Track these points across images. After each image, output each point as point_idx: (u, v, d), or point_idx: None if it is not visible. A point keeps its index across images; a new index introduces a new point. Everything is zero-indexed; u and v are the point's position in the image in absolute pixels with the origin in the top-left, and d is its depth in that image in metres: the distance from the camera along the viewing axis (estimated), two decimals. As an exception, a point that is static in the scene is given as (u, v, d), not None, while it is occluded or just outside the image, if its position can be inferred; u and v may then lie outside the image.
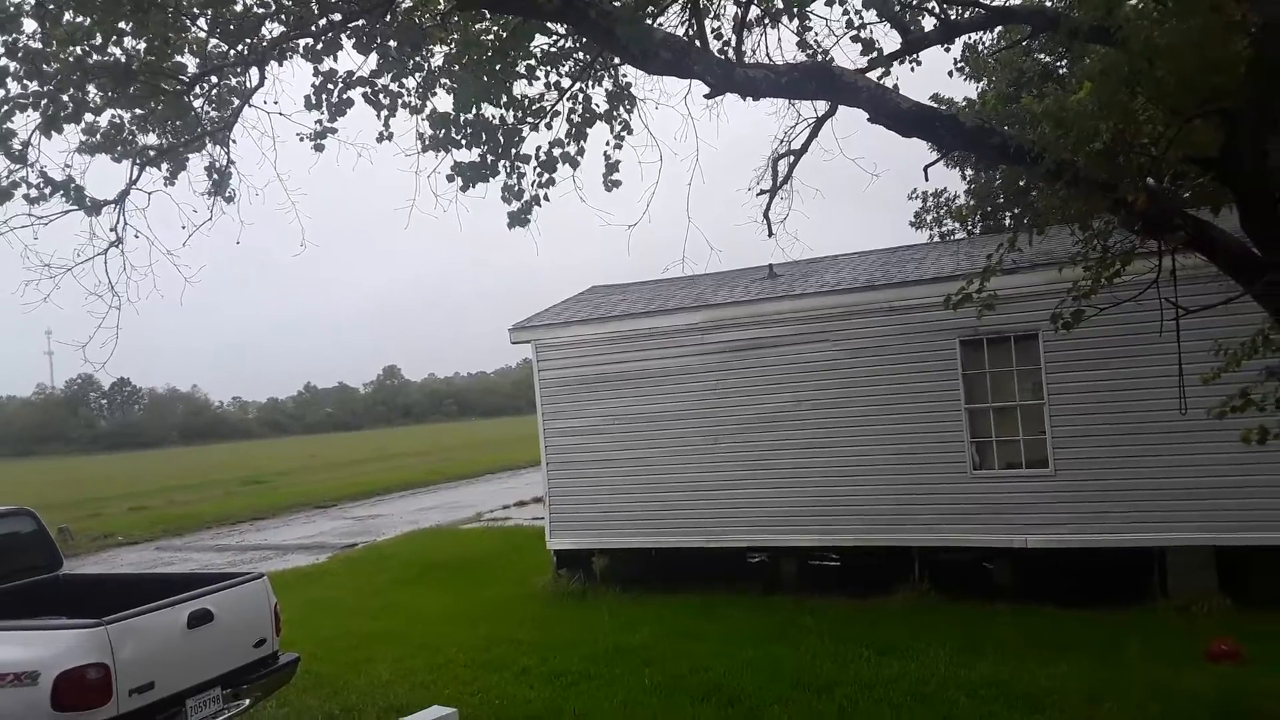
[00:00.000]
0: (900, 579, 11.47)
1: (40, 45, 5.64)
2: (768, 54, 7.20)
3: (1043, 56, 12.93)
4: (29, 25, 5.63)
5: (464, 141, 6.17)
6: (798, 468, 12.06)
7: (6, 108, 5.73)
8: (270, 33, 5.59)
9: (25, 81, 5.68)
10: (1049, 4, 7.24)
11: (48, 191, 5.88)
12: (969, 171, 20.40)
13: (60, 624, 7.15)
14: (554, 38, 6.48)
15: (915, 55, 6.96)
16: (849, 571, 11.82)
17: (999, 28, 9.69)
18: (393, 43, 5.63)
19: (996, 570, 11.11)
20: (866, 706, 7.79)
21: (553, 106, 6.48)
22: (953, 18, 6.70)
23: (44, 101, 5.63)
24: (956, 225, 21.05)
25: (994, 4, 6.61)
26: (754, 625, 10.68)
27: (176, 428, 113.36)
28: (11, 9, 5.55)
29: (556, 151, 6.48)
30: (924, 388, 11.43)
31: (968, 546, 11.18)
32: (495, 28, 6.29)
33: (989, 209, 19.86)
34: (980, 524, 11.15)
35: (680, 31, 6.45)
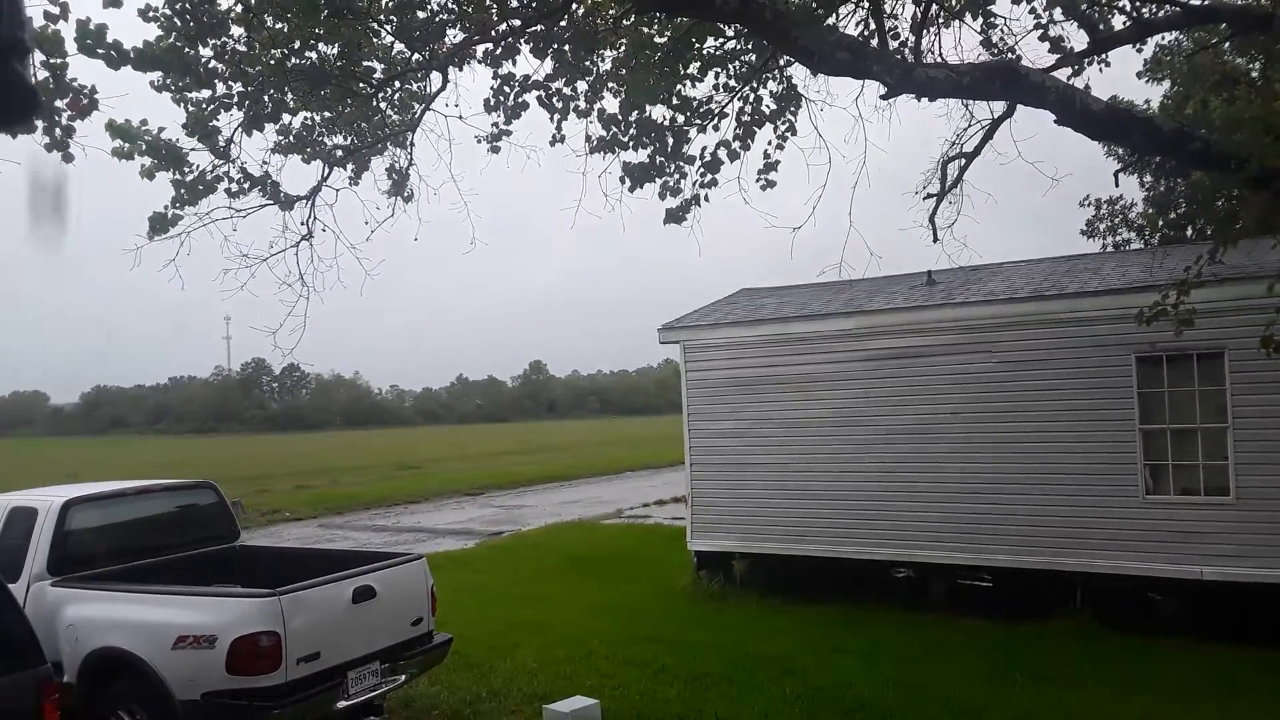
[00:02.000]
0: (1058, 606, 10.88)
1: (245, 49, 6.05)
2: (941, 55, 6.97)
3: (1236, 59, 11.96)
4: (236, 30, 6.06)
5: (630, 143, 6.24)
6: (950, 482, 11.63)
7: (213, 106, 6.18)
8: (452, 39, 5.81)
9: (230, 83, 6.11)
10: (1255, 2, 6.71)
11: (247, 186, 6.29)
12: (1148, 178, 19.17)
13: (238, 592, 7.65)
14: (722, 39, 6.47)
15: (1104, 55, 6.57)
16: (1002, 593, 11.31)
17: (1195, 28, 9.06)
18: (568, 47, 5.75)
19: (1166, 602, 10.40)
20: (1022, 736, 7.45)
21: (721, 108, 6.48)
22: (1146, 16, 6.29)
23: (247, 102, 6.04)
24: (1133, 234, 19.81)
25: (1192, 2, 6.16)
26: (899, 642, 10.36)
27: (339, 412, 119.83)
28: (220, 15, 5.99)
29: (722, 152, 6.46)
30: (1093, 405, 10.81)
31: (1136, 575, 10.52)
32: (666, 30, 6.32)
33: (1171, 218, 18.60)
34: (1151, 552, 10.46)
35: (855, 31, 6.32)
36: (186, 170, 5.98)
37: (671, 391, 14.01)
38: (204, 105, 5.96)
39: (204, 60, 5.76)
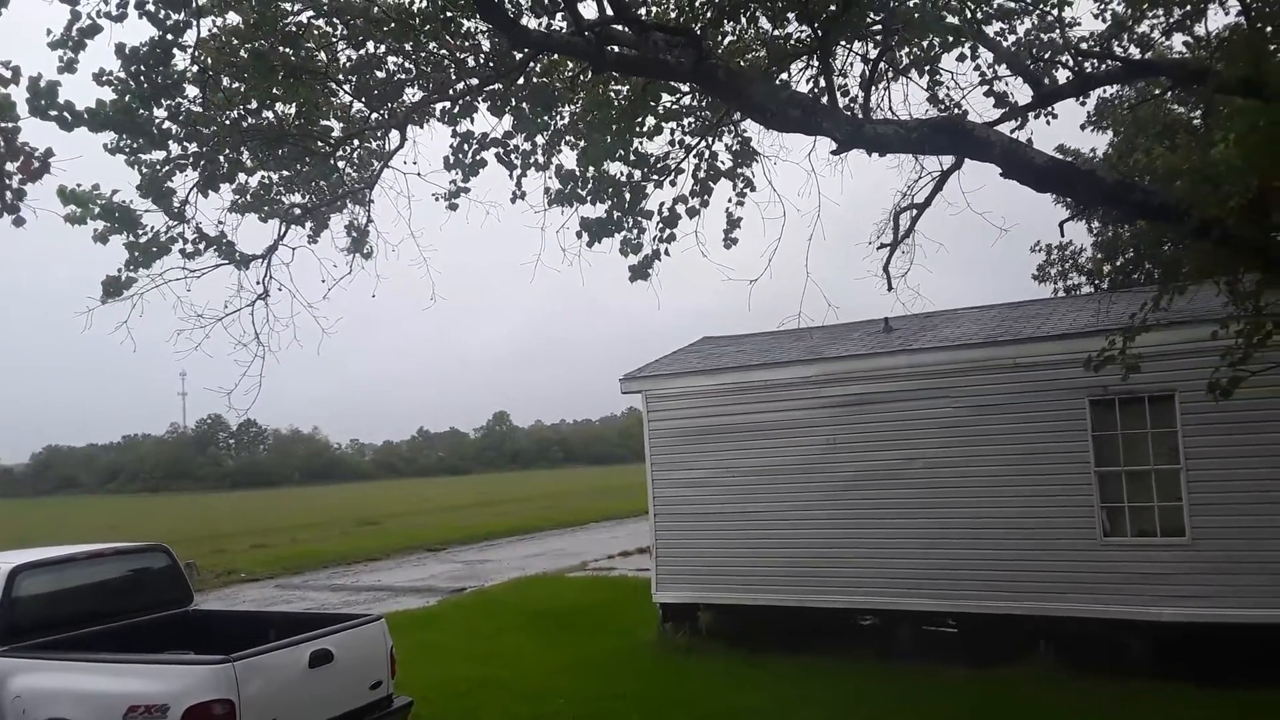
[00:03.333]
0: (1025, 650, 10.90)
1: (200, 109, 6.05)
2: (892, 110, 7.16)
3: (1177, 109, 12.42)
4: (191, 91, 6.06)
5: (589, 197, 6.31)
6: (913, 528, 11.67)
7: (168, 168, 6.15)
8: (411, 97, 5.85)
9: (185, 143, 6.09)
10: (1192, 55, 6.98)
11: (202, 247, 6.25)
12: (1095, 224, 19.70)
13: (190, 659, 7.44)
14: (678, 94, 6.59)
15: (1049, 108, 6.79)
16: (968, 639, 11.31)
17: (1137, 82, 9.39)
18: (525, 104, 5.82)
19: (1129, 644, 10.46)
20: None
21: (678, 164, 6.58)
22: (1088, 70, 6.52)
23: (202, 162, 6.02)
24: (1083, 279, 20.28)
25: (1131, 57, 6.40)
26: (867, 693, 10.29)
27: (298, 468, 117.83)
28: (175, 75, 5.98)
29: (680, 208, 6.55)
30: (1050, 448, 10.95)
31: (1098, 618, 10.58)
32: (623, 85, 6.43)
33: (1118, 263, 19.09)
34: (1111, 595, 10.54)
35: (806, 88, 6.47)
36: (140, 232, 5.93)
37: (635, 440, 13.98)
38: (158, 166, 5.93)
39: (158, 121, 5.74)
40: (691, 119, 6.61)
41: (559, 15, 5.72)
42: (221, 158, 5.93)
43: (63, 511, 67.64)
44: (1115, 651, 10.45)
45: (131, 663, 7.04)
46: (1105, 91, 9.35)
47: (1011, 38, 6.95)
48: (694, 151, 6.67)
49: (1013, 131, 6.42)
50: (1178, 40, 7.40)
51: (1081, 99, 7.27)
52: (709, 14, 5.94)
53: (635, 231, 6.46)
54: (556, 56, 5.82)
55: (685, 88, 6.31)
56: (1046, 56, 6.79)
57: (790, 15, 5.58)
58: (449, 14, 5.49)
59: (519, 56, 5.43)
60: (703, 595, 13.13)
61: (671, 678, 11.49)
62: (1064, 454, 10.87)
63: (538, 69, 5.92)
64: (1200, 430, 10.15)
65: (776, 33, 6.27)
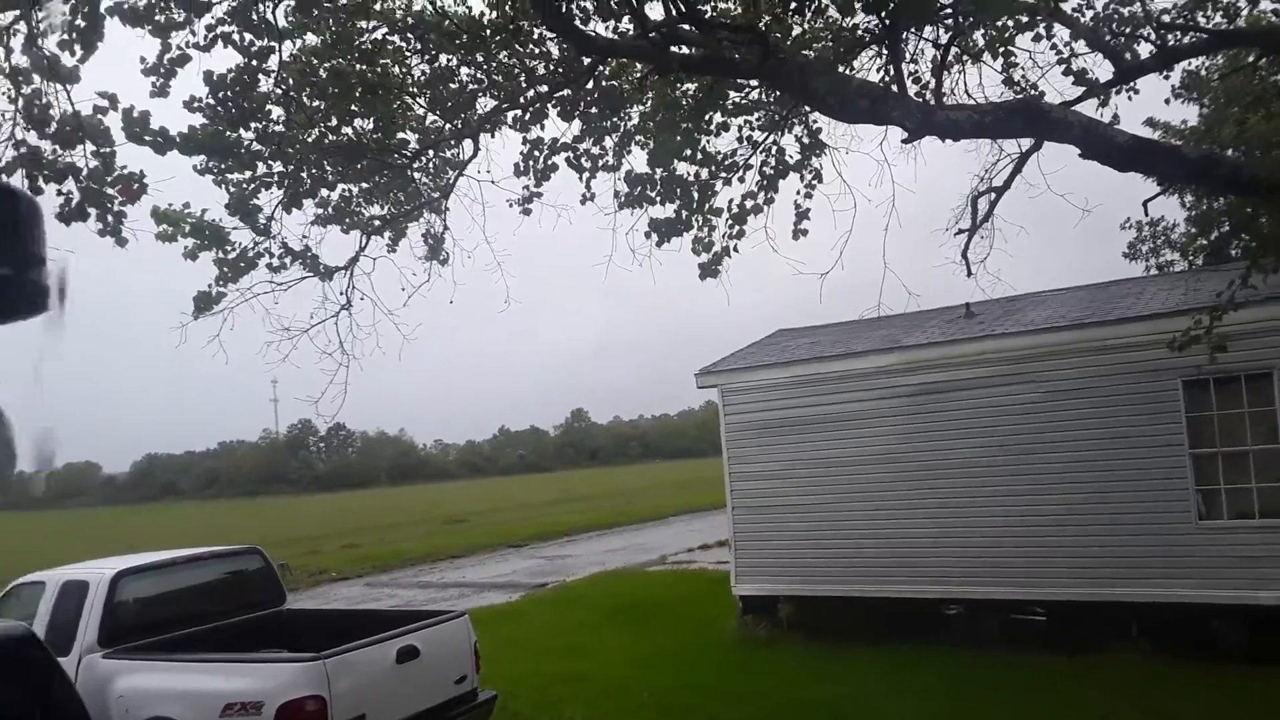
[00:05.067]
0: (1115, 637, 10.61)
1: (284, 129, 6.27)
2: (967, 92, 7.02)
3: (1271, 76, 11.85)
4: (275, 111, 6.29)
5: (658, 198, 6.35)
6: (997, 516, 11.45)
7: (254, 186, 6.39)
8: (483, 107, 5.97)
9: (270, 162, 6.33)
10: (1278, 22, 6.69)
11: (287, 260, 6.48)
12: (1189, 198, 18.95)
13: (283, 657, 7.72)
14: (746, 89, 6.58)
15: (1132, 84, 6.58)
16: (1057, 627, 11.06)
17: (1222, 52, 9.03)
18: (594, 109, 5.89)
19: (1225, 630, 10.10)
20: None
21: (745, 161, 6.58)
22: (1170, 44, 6.30)
23: (286, 180, 6.24)
24: (1176, 256, 19.54)
25: (1217, 28, 6.17)
26: (953, 683, 10.13)
27: (385, 469, 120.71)
28: (260, 98, 6.22)
29: (748, 203, 6.55)
30: (1141, 432, 10.63)
31: (1192, 603, 10.24)
32: (690, 87, 6.45)
33: (1213, 238, 18.33)
34: (1207, 579, 10.20)
35: (876, 77, 6.40)
36: (229, 249, 6.19)
37: (713, 433, 13.96)
38: (245, 185, 6.18)
39: (245, 142, 5.98)
40: (759, 114, 6.60)
41: (625, 18, 5.77)
42: (304, 174, 6.16)
43: (164, 517, 70.50)
44: (1209, 637, 10.12)
45: (228, 662, 7.33)
46: (1191, 64, 9.00)
47: (1089, 13, 6.76)
48: (761, 147, 6.65)
49: (1095, 110, 6.24)
50: (1267, 4, 7.11)
51: (1165, 73, 7.02)
52: (776, 9, 5.91)
53: (705, 230, 6.50)
54: (624, 60, 5.88)
55: (753, 83, 6.29)
56: (1127, 30, 6.58)
57: (858, 4, 5.53)
58: (518, 24, 5.60)
59: (587, 62, 5.51)
60: (782, 587, 13.08)
61: (752, 669, 11.49)
62: (1156, 437, 10.55)
63: (606, 72, 5.99)
64: (1302, 409, 9.74)
65: (844, 22, 6.22)
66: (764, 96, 6.49)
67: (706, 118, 6.19)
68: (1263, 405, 10.05)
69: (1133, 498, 10.65)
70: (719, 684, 10.76)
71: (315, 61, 5.86)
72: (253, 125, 5.99)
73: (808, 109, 6.70)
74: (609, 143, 6.46)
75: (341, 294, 6.68)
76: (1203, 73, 10.41)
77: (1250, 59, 8.29)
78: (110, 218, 5.40)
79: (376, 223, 6.66)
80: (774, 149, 6.74)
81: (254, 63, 5.56)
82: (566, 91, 5.76)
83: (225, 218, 6.27)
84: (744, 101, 6.66)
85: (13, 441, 1.84)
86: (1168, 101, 9.40)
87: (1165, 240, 20.32)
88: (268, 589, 9.39)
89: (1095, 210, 7.54)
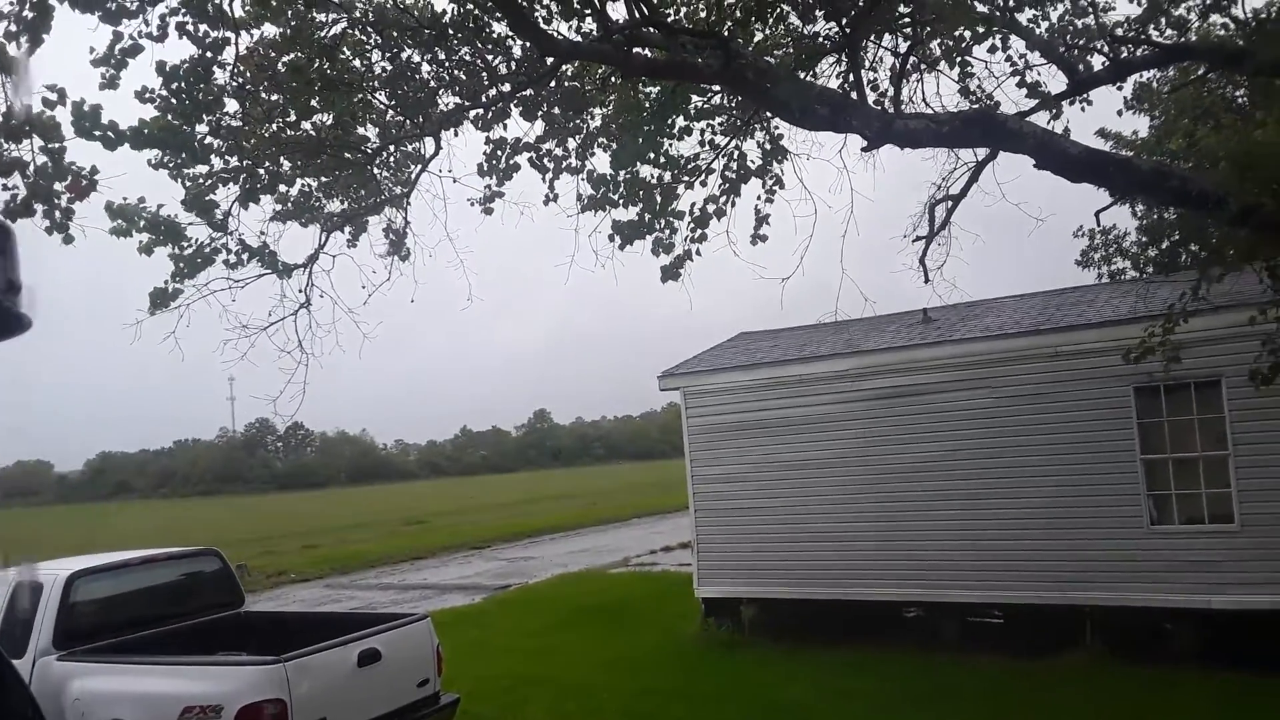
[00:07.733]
0: (1070, 640, 10.79)
1: (240, 123, 6.19)
2: (925, 101, 7.10)
3: (1221, 89, 12.14)
4: (231, 105, 6.20)
5: (621, 200, 6.35)
6: (955, 520, 11.60)
7: (210, 181, 6.30)
8: (445, 105, 5.94)
9: (227, 157, 6.24)
10: (1226, 37, 6.85)
11: (245, 257, 6.40)
12: (1139, 208, 19.28)
13: (242, 660, 7.61)
14: (708, 95, 6.61)
15: (1085, 95, 6.70)
16: (1014, 630, 11.22)
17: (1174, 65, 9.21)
18: (556, 109, 5.88)
19: (1178, 633, 10.31)
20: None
21: (708, 165, 6.60)
22: (1123, 56, 6.43)
23: (243, 175, 6.16)
24: (1127, 264, 19.86)
25: (1168, 41, 6.30)
26: (911, 685, 10.25)
27: (345, 469, 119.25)
28: (215, 91, 6.13)
29: (710, 208, 6.57)
30: (1094, 437, 10.82)
31: (1145, 607, 10.44)
32: (653, 91, 6.47)
33: (1163, 247, 18.66)
34: (1159, 583, 10.41)
35: (835, 85, 6.45)
36: (185, 245, 6.10)
37: (675, 435, 13.99)
38: (201, 180, 6.09)
39: (200, 137, 5.89)
40: (722, 119, 6.63)
41: (588, 18, 5.78)
42: (262, 170, 6.08)
43: (119, 516, 69.20)
44: (1163, 640, 10.32)
45: (186, 665, 7.21)
46: (1143, 76, 9.21)
47: (1044, 25, 6.87)
48: (723, 152, 6.69)
49: (1048, 121, 6.35)
50: (1216, 20, 7.27)
51: (1118, 85, 7.16)
52: (737, 14, 5.95)
53: (667, 232, 6.51)
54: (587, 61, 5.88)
55: (715, 88, 6.32)
56: (1081, 43, 6.70)
57: (818, 12, 5.57)
58: (479, 20, 5.58)
59: (550, 62, 5.50)
60: (745, 589, 13.14)
61: (715, 671, 11.53)
62: (1109, 442, 10.74)
63: (569, 72, 5.98)
64: (1248, 415, 9.99)
65: (805, 30, 6.27)
66: (726, 101, 6.53)
67: (669, 121, 6.22)
68: (1212, 412, 10.28)
69: (1087, 502, 10.84)
70: (681, 686, 10.79)
71: (273, 55, 5.79)
72: (207, 119, 5.91)
73: (769, 115, 6.74)
74: (572, 144, 6.46)
75: (300, 291, 6.62)
76: (1154, 85, 10.64)
77: (1200, 72, 8.50)
78: (58, 214, 5.30)
79: (336, 218, 6.60)
80: (736, 154, 6.78)
81: (209, 54, 5.48)
82: (529, 91, 5.76)
83: (181, 214, 6.19)
84: (706, 106, 6.70)
85: None
86: (1120, 113, 9.57)
87: (1117, 248, 20.62)
88: (226, 590, 9.27)
89: (1049, 219, 7.67)
